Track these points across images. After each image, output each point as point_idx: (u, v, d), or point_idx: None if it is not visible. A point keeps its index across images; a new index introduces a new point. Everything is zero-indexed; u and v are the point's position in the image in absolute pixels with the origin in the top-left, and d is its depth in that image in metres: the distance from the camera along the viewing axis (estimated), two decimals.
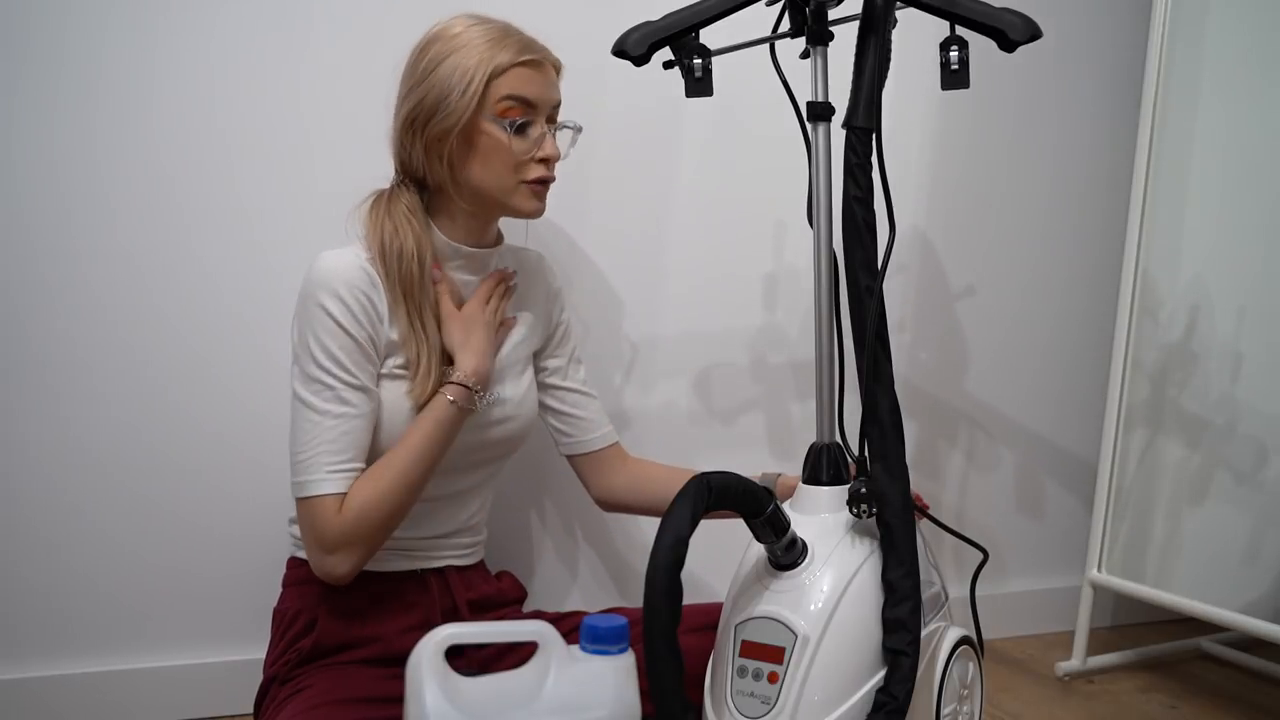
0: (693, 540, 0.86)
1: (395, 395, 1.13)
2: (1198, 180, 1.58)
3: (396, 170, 1.21)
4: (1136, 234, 1.61)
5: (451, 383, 1.14)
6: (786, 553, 0.96)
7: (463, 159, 1.15)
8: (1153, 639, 1.81)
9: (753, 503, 0.92)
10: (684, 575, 0.85)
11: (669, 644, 0.83)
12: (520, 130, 1.15)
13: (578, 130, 1.22)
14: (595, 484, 1.37)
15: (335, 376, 1.09)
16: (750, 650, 0.94)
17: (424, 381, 1.13)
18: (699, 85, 1.11)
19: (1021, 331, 1.87)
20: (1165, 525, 1.57)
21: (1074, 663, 1.65)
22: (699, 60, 1.10)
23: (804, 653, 0.92)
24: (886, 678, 0.93)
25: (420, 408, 1.13)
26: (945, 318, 1.82)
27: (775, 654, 0.92)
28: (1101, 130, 1.88)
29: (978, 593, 1.20)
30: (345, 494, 1.07)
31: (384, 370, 1.14)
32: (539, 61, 1.15)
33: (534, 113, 1.15)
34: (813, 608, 0.94)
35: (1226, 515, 1.50)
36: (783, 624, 0.93)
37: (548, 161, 1.17)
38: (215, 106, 1.40)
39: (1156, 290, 1.61)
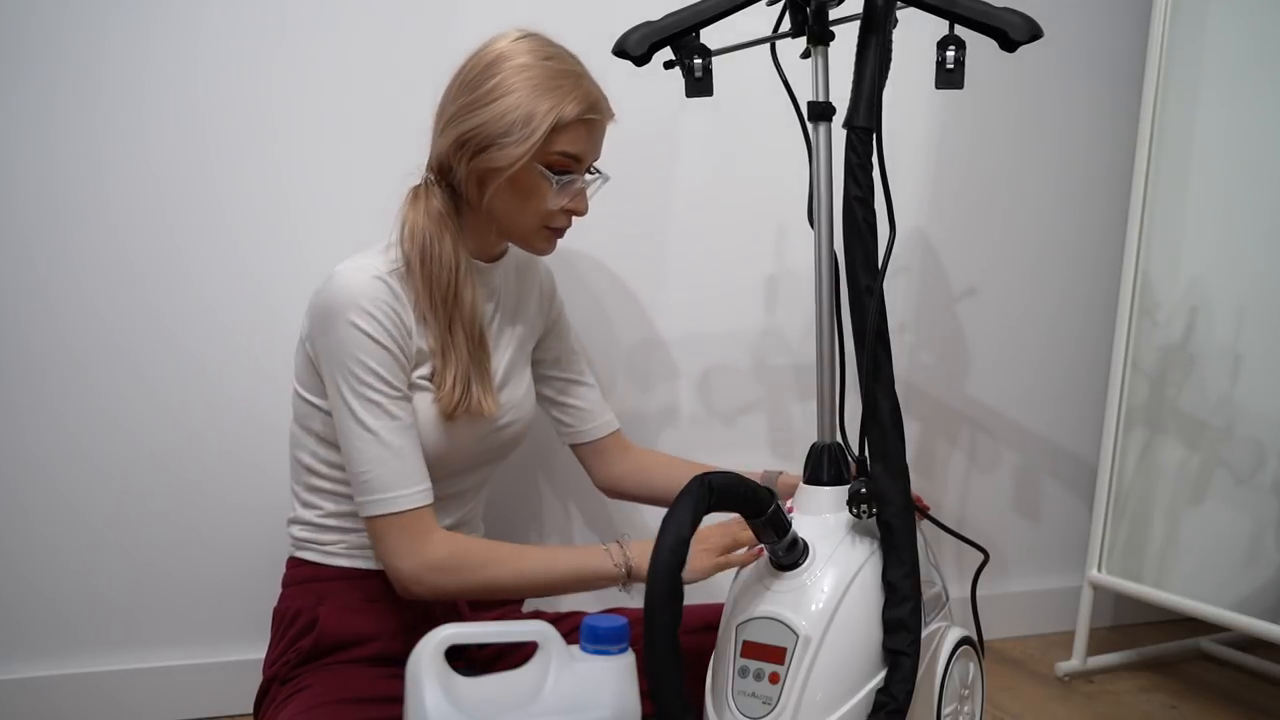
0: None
1: (422, 405, 1.13)
2: (1198, 180, 1.58)
3: (430, 167, 1.18)
4: (1136, 234, 1.61)
5: (619, 546, 1.12)
6: (788, 553, 0.96)
7: (499, 192, 1.14)
8: (1153, 639, 1.81)
9: (754, 503, 0.91)
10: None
11: (669, 644, 0.84)
12: (564, 183, 1.14)
13: (605, 180, 1.22)
14: (598, 472, 1.39)
15: (380, 391, 1.08)
16: (751, 650, 0.94)
17: (450, 393, 1.13)
18: (699, 85, 1.11)
19: (1022, 332, 1.87)
20: (1165, 525, 1.57)
21: (1074, 663, 1.65)
22: (699, 60, 1.10)
23: (805, 653, 0.92)
24: (887, 678, 0.93)
25: (448, 416, 1.13)
26: (946, 318, 1.82)
27: (776, 654, 0.92)
28: (1101, 130, 1.88)
29: (978, 593, 1.20)
30: (431, 506, 1.10)
31: (411, 379, 1.13)
32: (599, 120, 1.16)
33: (580, 166, 1.16)
34: (814, 608, 0.94)
35: (1226, 515, 1.50)
36: (784, 624, 0.93)
37: (574, 213, 1.19)
38: (212, 111, 1.40)
39: (1156, 291, 1.61)
